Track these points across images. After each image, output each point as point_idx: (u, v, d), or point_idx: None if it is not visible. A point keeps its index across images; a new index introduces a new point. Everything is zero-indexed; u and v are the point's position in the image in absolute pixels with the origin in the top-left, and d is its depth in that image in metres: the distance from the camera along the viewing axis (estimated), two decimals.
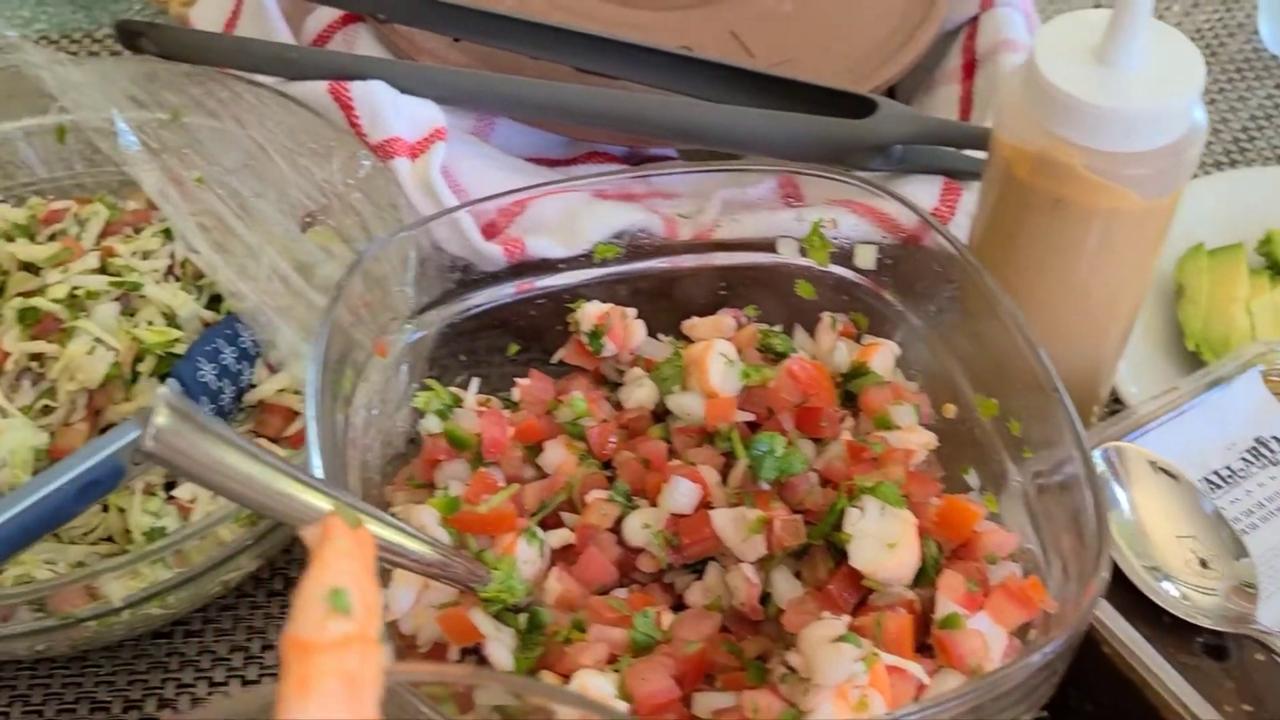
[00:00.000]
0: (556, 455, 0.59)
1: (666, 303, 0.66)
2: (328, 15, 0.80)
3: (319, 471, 0.49)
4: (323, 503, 0.43)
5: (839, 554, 0.53)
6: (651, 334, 0.65)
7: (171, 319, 0.66)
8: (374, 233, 0.69)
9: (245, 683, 0.64)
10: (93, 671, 0.65)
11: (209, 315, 0.67)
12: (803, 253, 0.64)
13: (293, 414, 0.65)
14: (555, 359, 0.64)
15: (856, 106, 0.73)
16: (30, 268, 0.67)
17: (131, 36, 0.73)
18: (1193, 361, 0.75)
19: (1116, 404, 0.73)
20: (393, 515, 0.57)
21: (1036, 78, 0.56)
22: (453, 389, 0.62)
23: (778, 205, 0.70)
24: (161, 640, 0.65)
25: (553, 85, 0.73)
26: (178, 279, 0.68)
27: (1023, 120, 0.58)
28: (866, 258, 0.63)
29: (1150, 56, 0.56)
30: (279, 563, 0.68)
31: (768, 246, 0.65)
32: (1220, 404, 0.63)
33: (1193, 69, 0.57)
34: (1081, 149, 0.56)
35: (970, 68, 0.82)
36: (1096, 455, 0.59)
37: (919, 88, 0.85)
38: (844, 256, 0.64)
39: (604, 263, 0.64)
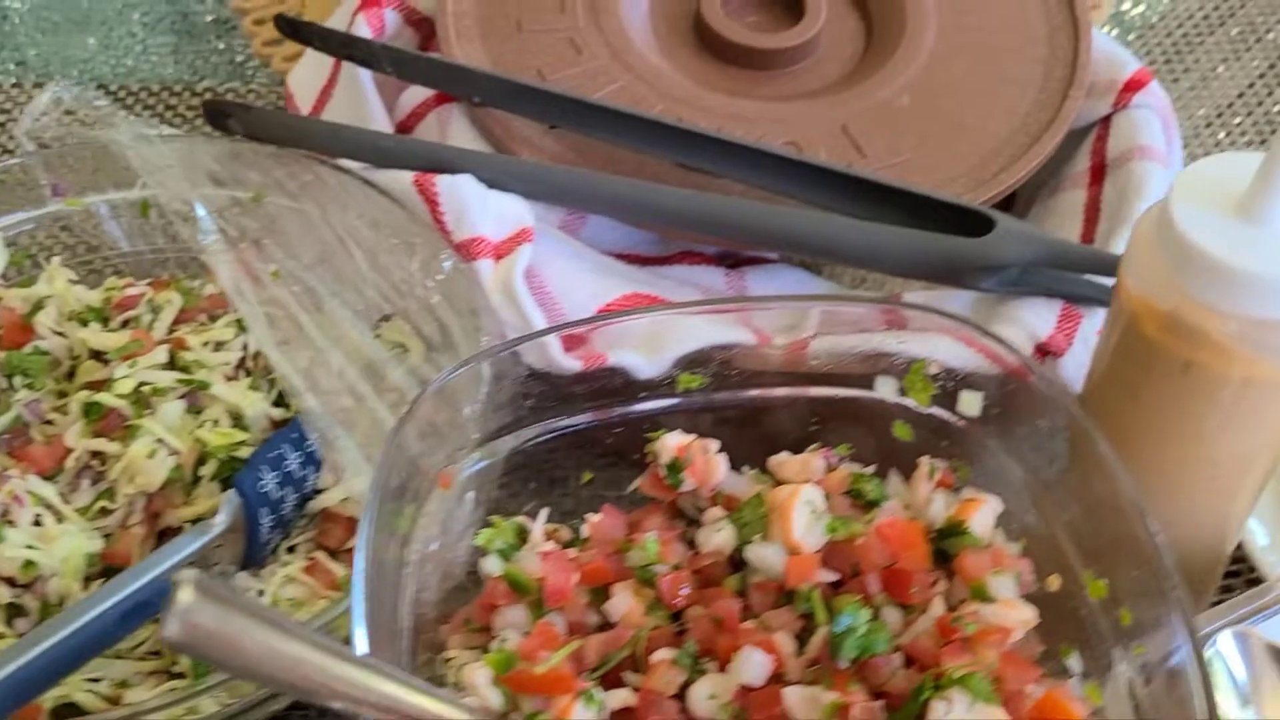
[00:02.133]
0: (624, 603, 0.55)
1: (754, 432, 0.62)
2: (423, 92, 0.77)
3: (363, 641, 0.46)
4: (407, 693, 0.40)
5: None
6: (737, 465, 0.61)
7: (239, 418, 0.64)
8: (452, 334, 0.66)
9: None
10: None
11: (277, 414, 0.65)
12: (902, 392, 0.60)
13: (355, 524, 0.63)
14: (630, 489, 0.60)
15: (973, 221, 0.68)
16: (100, 355, 0.65)
17: (219, 116, 0.71)
18: None
19: (1240, 561, 0.68)
20: (447, 664, 0.54)
21: (1172, 230, 0.51)
22: (520, 518, 0.59)
23: (879, 324, 0.65)
24: None
25: (650, 187, 0.69)
26: (249, 372, 0.66)
27: (1154, 273, 0.53)
28: (971, 404, 0.58)
29: None
30: None
31: (864, 381, 0.60)
32: None
33: None
34: (1220, 314, 0.51)
35: (1099, 172, 0.77)
36: (1219, 642, 0.54)
37: (1043, 189, 0.80)
38: (947, 397, 0.59)
39: (687, 393, 0.61)
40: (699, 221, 0.69)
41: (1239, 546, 0.67)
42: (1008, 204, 0.82)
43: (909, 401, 0.60)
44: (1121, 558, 0.51)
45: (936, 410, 0.59)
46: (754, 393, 0.61)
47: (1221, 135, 0.93)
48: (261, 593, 0.60)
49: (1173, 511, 0.59)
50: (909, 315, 0.67)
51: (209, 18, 1.02)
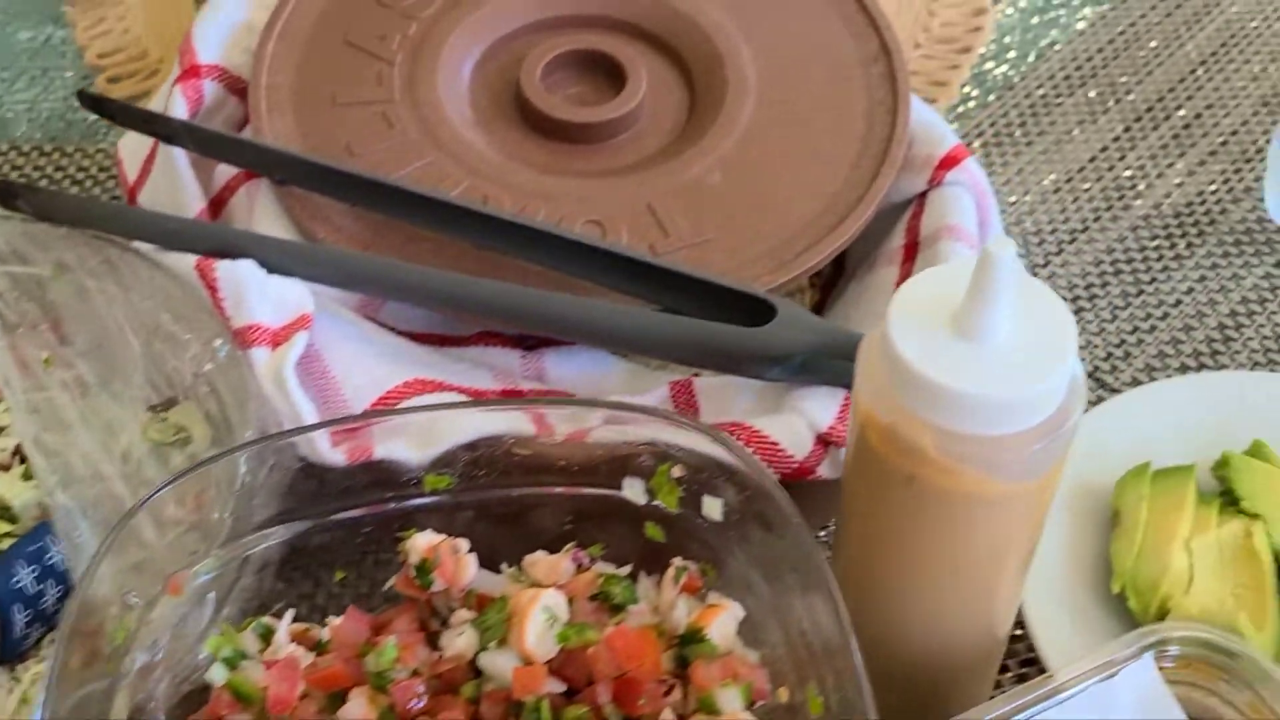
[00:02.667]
0: (358, 710, 0.55)
1: (516, 529, 0.61)
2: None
3: None
4: None
5: None
6: (496, 564, 0.60)
7: (7, 509, 0.63)
8: (231, 423, 0.65)
9: None
10: None
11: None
12: (650, 494, 0.59)
13: None
14: (385, 587, 0.60)
15: (760, 308, 0.67)
16: None
17: (7, 197, 0.70)
18: (1119, 606, 0.68)
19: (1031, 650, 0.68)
20: None
21: (888, 345, 0.50)
22: (268, 619, 0.58)
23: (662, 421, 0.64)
24: None
25: (437, 274, 0.68)
26: (23, 459, 0.65)
27: (878, 384, 0.52)
28: (713, 509, 0.58)
29: (1015, 326, 0.50)
30: None
31: (617, 481, 0.60)
32: (1107, 693, 0.56)
33: (1064, 339, 0.50)
34: (933, 429, 0.50)
35: (912, 250, 0.76)
36: None
37: (864, 262, 0.79)
38: (693, 500, 0.58)
39: (434, 492, 0.60)
40: (490, 308, 0.68)
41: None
42: (836, 276, 0.82)
43: (660, 502, 0.59)
44: (833, 676, 0.51)
45: (687, 512, 0.59)
46: (513, 491, 0.61)
47: (1069, 201, 0.92)
48: (11, 690, 0.59)
49: (938, 606, 0.59)
50: (703, 404, 0.67)
51: (68, 73, 1.02)
